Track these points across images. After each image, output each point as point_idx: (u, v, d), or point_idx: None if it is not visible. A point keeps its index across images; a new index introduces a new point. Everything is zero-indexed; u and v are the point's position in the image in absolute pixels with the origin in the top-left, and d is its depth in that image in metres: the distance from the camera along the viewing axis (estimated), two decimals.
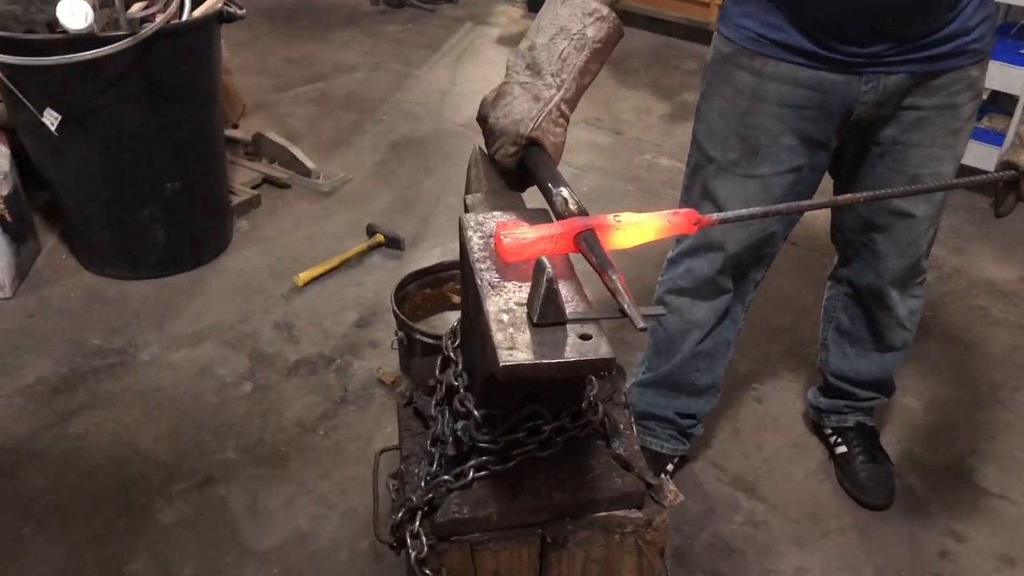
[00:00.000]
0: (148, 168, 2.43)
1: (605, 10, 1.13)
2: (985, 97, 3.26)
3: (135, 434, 2.06)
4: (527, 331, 0.83)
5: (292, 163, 3.10)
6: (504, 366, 0.80)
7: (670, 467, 1.95)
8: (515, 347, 0.81)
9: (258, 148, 3.16)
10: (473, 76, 4.18)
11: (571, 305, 0.86)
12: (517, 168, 1.13)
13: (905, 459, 2.05)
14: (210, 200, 2.67)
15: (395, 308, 1.91)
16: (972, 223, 3.02)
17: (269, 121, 3.52)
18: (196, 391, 2.19)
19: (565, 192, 1.01)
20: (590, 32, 1.13)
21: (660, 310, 0.94)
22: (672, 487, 1.06)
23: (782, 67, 1.49)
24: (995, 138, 3.04)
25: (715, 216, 1.00)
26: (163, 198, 2.47)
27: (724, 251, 1.67)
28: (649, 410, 1.92)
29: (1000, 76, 2.97)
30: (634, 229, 0.94)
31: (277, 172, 3.09)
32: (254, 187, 3.00)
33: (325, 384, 2.22)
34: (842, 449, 2.00)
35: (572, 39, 1.12)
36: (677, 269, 1.78)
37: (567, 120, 1.13)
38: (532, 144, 1.10)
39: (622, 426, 1.13)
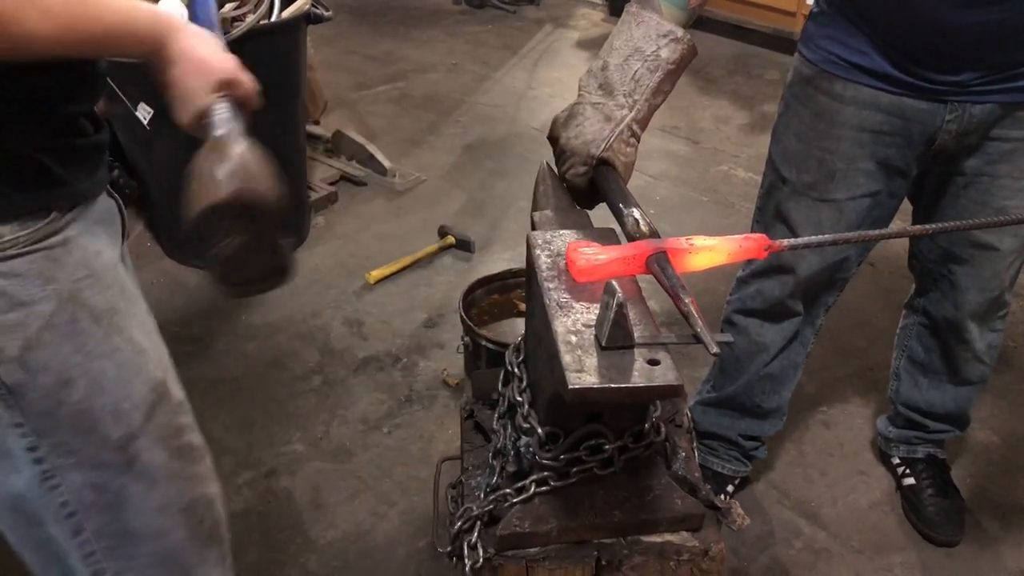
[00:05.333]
0: None
1: (680, 32, 1.14)
2: None
3: (207, 420, 2.12)
4: (595, 354, 0.84)
5: (369, 161, 3.15)
6: (573, 388, 0.81)
7: (730, 488, 1.93)
8: (583, 370, 0.82)
9: (337, 145, 3.23)
10: (550, 80, 4.19)
11: (639, 328, 0.87)
12: (587, 187, 1.14)
13: (977, 495, 1.98)
14: (289, 194, 2.73)
15: (462, 313, 1.93)
16: None
17: (349, 118, 3.59)
18: (266, 382, 2.26)
19: (636, 213, 1.02)
20: (664, 53, 1.13)
21: (729, 337, 0.94)
22: (739, 510, 1.06)
23: (863, 91, 1.46)
24: None
25: (786, 242, 0.98)
26: None
27: (795, 274, 1.65)
28: (712, 430, 1.91)
29: None
30: (705, 253, 0.94)
31: (354, 170, 3.15)
32: (332, 184, 3.06)
33: (391, 382, 2.26)
34: (910, 481, 1.95)
35: (646, 60, 1.14)
36: (747, 290, 1.76)
37: (638, 140, 1.14)
38: (602, 164, 1.11)
39: (682, 449, 1.13)
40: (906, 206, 1.68)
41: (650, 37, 1.14)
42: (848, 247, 1.64)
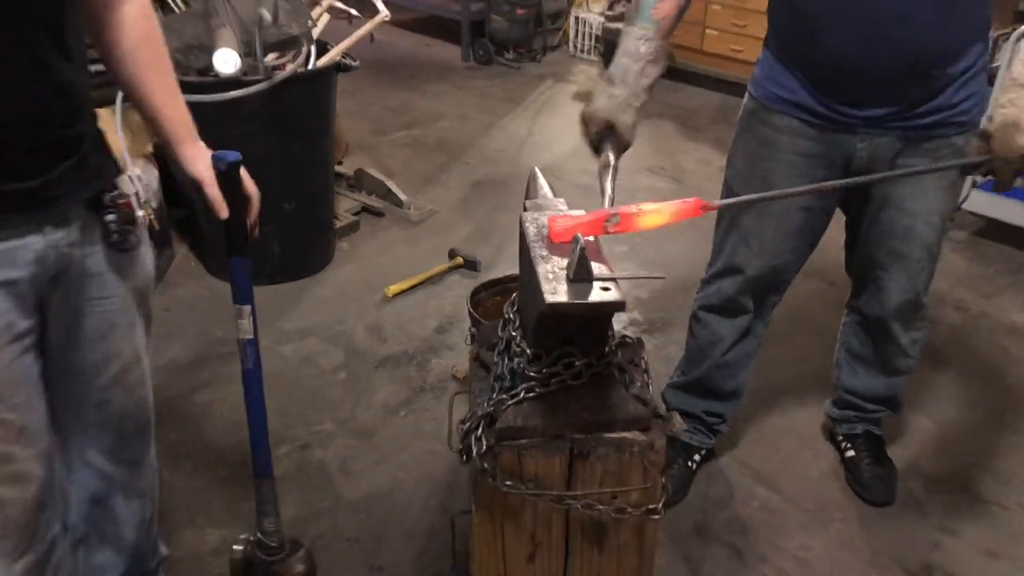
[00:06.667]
0: (271, 191, 2.83)
1: (651, 32, 1.63)
2: None
3: None
4: (565, 283, 1.20)
5: (387, 195, 3.55)
6: (548, 303, 1.16)
7: (697, 457, 2.25)
8: (556, 293, 1.18)
9: (359, 181, 3.63)
10: (550, 127, 4.62)
11: (597, 271, 1.23)
12: (600, 143, 1.61)
13: (911, 469, 2.31)
14: (318, 221, 3.13)
15: (470, 308, 2.29)
16: (1005, 273, 3.27)
17: (369, 159, 4.00)
18: (300, 376, 2.61)
19: (609, 191, 1.44)
20: (642, 49, 1.63)
21: (662, 275, 1.31)
22: (679, 418, 1.40)
23: (794, 123, 1.84)
24: None
25: (719, 202, 1.38)
26: (281, 217, 2.93)
27: (744, 274, 2.00)
28: (682, 408, 2.23)
29: None
30: (652, 215, 1.30)
31: (374, 203, 3.55)
32: (354, 214, 3.45)
33: (407, 376, 2.61)
34: (851, 453, 2.27)
35: (630, 56, 1.63)
36: (709, 288, 2.12)
37: (634, 109, 1.61)
38: (609, 128, 1.58)
39: (639, 380, 1.47)
40: (839, 218, 2.04)
41: (631, 40, 1.64)
42: (787, 253, 1.98)
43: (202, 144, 1.47)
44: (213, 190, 1.46)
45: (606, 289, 1.19)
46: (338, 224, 3.32)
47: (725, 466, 2.30)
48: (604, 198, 1.49)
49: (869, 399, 2.24)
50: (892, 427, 2.37)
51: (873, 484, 2.20)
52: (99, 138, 1.34)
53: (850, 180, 1.76)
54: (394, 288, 2.98)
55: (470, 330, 2.37)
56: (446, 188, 3.86)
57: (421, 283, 3.05)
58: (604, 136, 1.60)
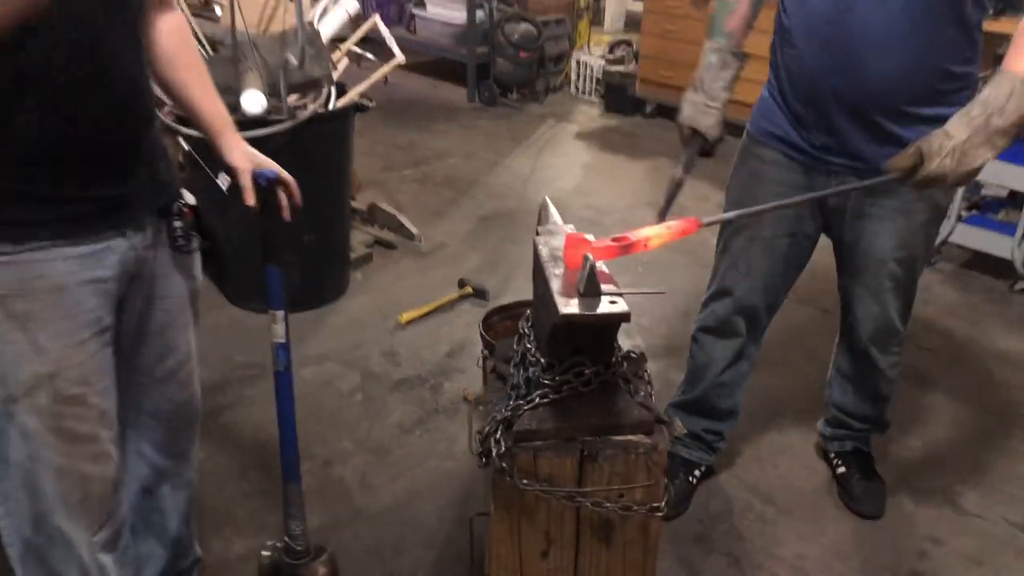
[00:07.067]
0: (292, 223, 3.06)
1: (722, 43, 1.92)
2: (1005, 195, 3.69)
3: (272, 426, 2.58)
4: (576, 297, 1.35)
5: (399, 229, 3.71)
6: (562, 314, 1.31)
7: (697, 473, 2.38)
8: (569, 305, 1.33)
9: (372, 216, 3.80)
10: (552, 164, 4.80)
11: (605, 288, 1.38)
12: (689, 145, 1.97)
13: (900, 483, 2.43)
14: (336, 253, 3.29)
15: (482, 332, 2.43)
16: (989, 302, 3.42)
17: (380, 195, 4.17)
18: (319, 397, 2.74)
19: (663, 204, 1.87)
20: (713, 59, 1.90)
21: (663, 290, 1.45)
22: (679, 423, 1.54)
23: (779, 156, 2.00)
24: (1011, 229, 3.44)
25: (713, 217, 1.53)
26: (301, 248, 3.08)
27: (734, 295, 2.15)
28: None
29: (1014, 177, 3.41)
30: (655, 237, 1.45)
31: (386, 236, 3.71)
32: (368, 247, 3.61)
33: (421, 398, 2.75)
34: (842, 469, 2.40)
35: (705, 66, 1.94)
36: (705, 311, 2.27)
37: (714, 111, 1.92)
38: (693, 131, 1.90)
39: (642, 390, 1.61)
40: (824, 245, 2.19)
41: (707, 52, 1.94)
42: (776, 276, 2.13)
43: (239, 136, 1.65)
44: (245, 178, 1.62)
45: (613, 303, 1.34)
46: (352, 256, 3.47)
47: (724, 482, 2.43)
48: (663, 209, 1.89)
49: (857, 418, 2.37)
50: (882, 445, 2.50)
51: (864, 498, 2.33)
52: (165, 151, 1.51)
53: (807, 196, 1.92)
54: (407, 316, 3.13)
55: (483, 352, 2.52)
56: (454, 222, 4.02)
57: (433, 311, 3.19)
58: (690, 139, 1.95)
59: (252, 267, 3.09)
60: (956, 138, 1.53)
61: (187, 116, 1.63)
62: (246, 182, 1.63)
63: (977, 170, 1.55)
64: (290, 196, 1.70)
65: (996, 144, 1.53)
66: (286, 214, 1.71)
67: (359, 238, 3.64)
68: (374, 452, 2.51)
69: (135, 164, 1.41)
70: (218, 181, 2.99)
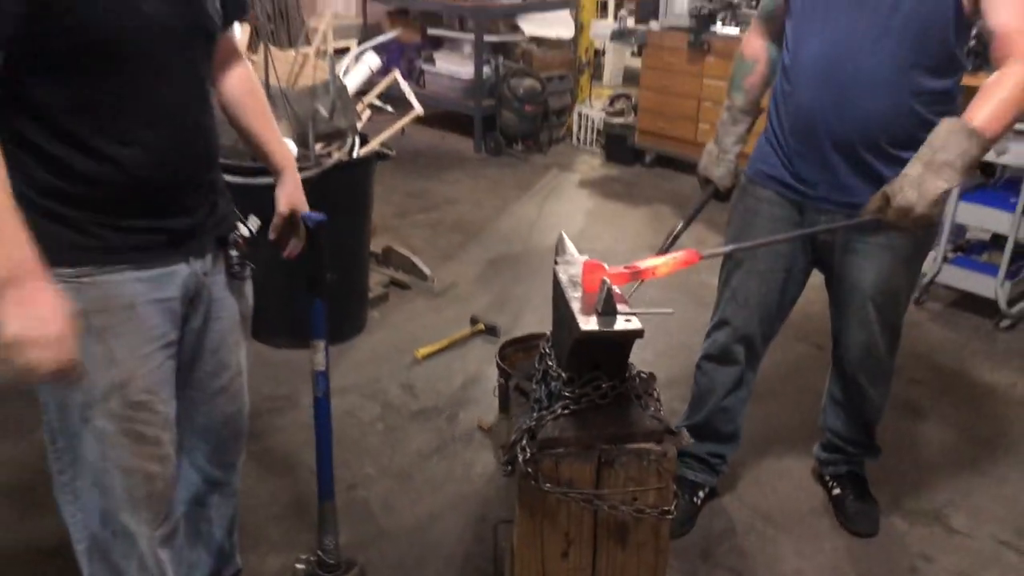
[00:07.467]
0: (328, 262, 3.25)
1: (738, 100, 2.24)
2: (988, 238, 3.89)
3: (300, 453, 2.75)
4: (594, 316, 1.52)
5: (413, 270, 3.90)
6: (583, 330, 1.48)
7: (701, 494, 2.53)
8: (589, 323, 1.50)
9: (387, 258, 3.99)
10: (556, 211, 5.02)
11: (621, 308, 1.55)
12: (704, 189, 2.31)
13: (893, 505, 2.58)
14: (355, 292, 3.47)
15: (499, 361, 2.61)
16: (976, 339, 3.59)
17: (394, 239, 4.36)
18: (343, 427, 2.89)
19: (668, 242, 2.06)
20: (724, 116, 2.21)
21: (670, 310, 1.63)
22: (686, 434, 1.70)
23: (773, 195, 2.20)
24: (994, 270, 3.63)
25: (712, 250, 1.72)
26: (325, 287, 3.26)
27: (732, 325, 2.33)
28: (687, 449, 2.52)
29: (996, 221, 3.61)
30: (662, 267, 1.64)
31: (401, 277, 3.90)
32: (384, 287, 3.79)
33: (438, 427, 2.90)
34: (837, 491, 2.55)
35: (721, 121, 2.22)
36: (708, 340, 2.44)
37: (726, 161, 2.26)
38: (708, 181, 2.20)
39: (653, 405, 1.78)
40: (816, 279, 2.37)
41: (725, 110, 2.26)
42: (770, 306, 2.31)
43: (297, 177, 1.88)
44: (282, 209, 1.86)
45: (628, 321, 1.52)
46: (370, 295, 3.65)
47: (727, 503, 2.57)
48: (668, 244, 2.15)
49: (850, 442, 2.53)
50: (875, 469, 2.65)
51: (858, 518, 2.47)
52: (225, 188, 1.69)
53: (799, 232, 2.14)
54: (423, 350, 3.29)
55: (499, 379, 2.69)
56: (464, 264, 4.21)
57: (447, 346, 3.36)
58: (704, 185, 2.29)
59: (275, 304, 3.29)
60: (911, 174, 1.73)
61: (255, 155, 1.83)
62: (277, 221, 1.85)
63: (940, 198, 1.71)
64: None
65: (945, 176, 1.71)
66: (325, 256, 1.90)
67: (375, 279, 3.82)
68: (396, 477, 2.66)
69: (201, 200, 1.59)
70: (247, 224, 3.19)
